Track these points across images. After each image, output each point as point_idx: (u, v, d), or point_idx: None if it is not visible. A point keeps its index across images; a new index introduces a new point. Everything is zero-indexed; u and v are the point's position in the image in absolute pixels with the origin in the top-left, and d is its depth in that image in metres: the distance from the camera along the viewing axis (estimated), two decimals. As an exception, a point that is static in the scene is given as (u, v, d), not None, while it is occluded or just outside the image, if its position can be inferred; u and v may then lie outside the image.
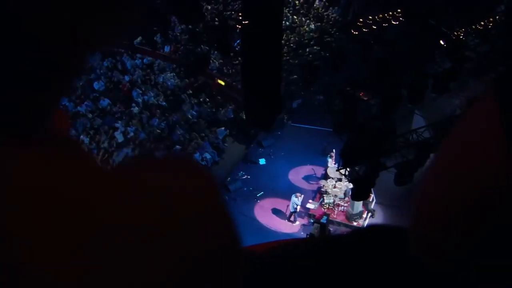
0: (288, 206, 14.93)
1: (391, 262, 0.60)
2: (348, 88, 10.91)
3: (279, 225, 14.93)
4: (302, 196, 14.65)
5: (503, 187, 0.43)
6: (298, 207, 14.58)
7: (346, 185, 14.67)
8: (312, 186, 16.25)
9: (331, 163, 15.62)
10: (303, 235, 14.10)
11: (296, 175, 16.68)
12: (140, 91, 19.29)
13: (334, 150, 15.53)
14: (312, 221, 14.47)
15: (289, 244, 0.73)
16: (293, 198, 14.50)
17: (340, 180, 15.13)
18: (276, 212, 15.35)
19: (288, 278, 0.64)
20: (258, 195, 15.80)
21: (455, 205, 0.48)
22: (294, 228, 14.84)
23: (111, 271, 0.27)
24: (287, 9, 20.51)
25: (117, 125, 17.73)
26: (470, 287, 0.50)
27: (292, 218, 14.87)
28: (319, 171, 16.53)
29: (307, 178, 16.60)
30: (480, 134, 0.46)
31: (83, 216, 0.27)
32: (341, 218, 14.94)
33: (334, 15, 21.15)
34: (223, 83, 19.09)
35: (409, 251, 0.55)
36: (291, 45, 17.85)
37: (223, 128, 17.93)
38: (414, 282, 0.57)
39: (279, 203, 15.60)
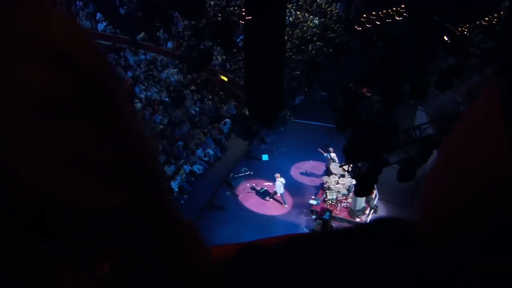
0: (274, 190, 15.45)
1: (396, 257, 0.60)
2: (351, 84, 10.88)
3: (279, 216, 15.10)
4: (278, 175, 15.18)
5: (506, 180, 0.43)
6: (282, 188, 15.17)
7: (349, 181, 14.67)
8: (314, 182, 16.29)
9: (333, 159, 15.76)
10: (305, 230, 14.13)
11: (298, 171, 16.75)
12: (143, 87, 19.30)
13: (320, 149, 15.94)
14: (314, 217, 14.50)
15: (296, 237, 0.73)
16: (278, 181, 15.03)
17: (343, 176, 15.13)
18: (277, 206, 15.46)
19: (295, 270, 0.64)
20: (260, 191, 15.85)
21: (459, 199, 0.48)
22: (285, 209, 15.25)
23: None
24: (290, 4, 20.45)
25: (119, 121, 17.72)
26: (470, 287, 0.50)
27: (280, 200, 15.42)
28: (321, 167, 16.58)
29: (309, 174, 16.66)
30: (483, 128, 0.46)
31: None
32: (343, 214, 14.95)
33: (337, 10, 21.09)
34: (226, 79, 19.07)
35: (415, 245, 0.55)
36: (294, 41, 17.81)
37: (223, 122, 17.97)
38: (415, 280, 0.57)
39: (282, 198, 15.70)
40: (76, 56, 0.35)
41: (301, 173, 16.66)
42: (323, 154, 16.21)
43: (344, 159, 10.79)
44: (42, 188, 0.32)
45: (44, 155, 0.32)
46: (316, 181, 16.28)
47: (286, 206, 15.38)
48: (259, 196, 15.75)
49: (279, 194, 15.30)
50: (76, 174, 0.33)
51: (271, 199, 15.64)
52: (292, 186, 16.10)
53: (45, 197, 0.32)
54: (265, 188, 15.83)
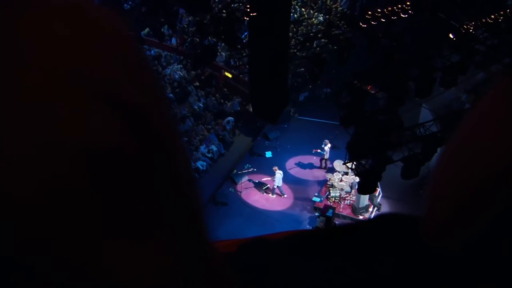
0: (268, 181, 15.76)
1: (398, 253, 0.60)
2: (355, 81, 10.85)
3: (282, 212, 15.16)
4: (277, 167, 15.50)
5: (506, 177, 0.42)
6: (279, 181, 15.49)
7: (353, 178, 14.67)
8: (317, 178, 16.32)
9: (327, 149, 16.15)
10: (308, 227, 14.15)
11: (300, 167, 16.86)
12: (147, 83, 19.31)
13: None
14: (317, 214, 14.51)
15: (298, 234, 0.73)
16: (278, 173, 15.32)
17: (346, 173, 15.13)
18: (281, 202, 15.51)
19: (296, 266, 0.64)
20: (264, 188, 15.88)
21: (462, 195, 0.48)
22: (288, 205, 15.38)
23: None
24: (295, 1, 20.40)
25: (124, 116, 17.75)
26: (472, 285, 0.50)
27: (270, 192, 15.76)
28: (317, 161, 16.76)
29: (311, 166, 16.77)
30: (486, 124, 0.46)
31: None
32: (347, 212, 14.95)
33: (342, 7, 21.02)
34: (230, 76, 19.06)
35: (418, 240, 0.55)
36: (299, 37, 17.75)
37: (225, 121, 18.02)
38: (418, 275, 0.57)
39: (286, 193, 15.72)
40: (137, 103, 0.28)
41: (303, 168, 16.74)
42: (320, 152, 16.36)
43: (348, 156, 10.77)
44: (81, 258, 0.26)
45: (88, 218, 0.27)
46: (319, 177, 16.30)
47: (285, 196, 15.61)
48: (258, 188, 15.96)
49: (277, 187, 15.53)
50: (123, 238, 0.28)
51: (275, 195, 15.72)
52: (295, 183, 16.12)
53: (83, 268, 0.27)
54: (264, 182, 16.02)
